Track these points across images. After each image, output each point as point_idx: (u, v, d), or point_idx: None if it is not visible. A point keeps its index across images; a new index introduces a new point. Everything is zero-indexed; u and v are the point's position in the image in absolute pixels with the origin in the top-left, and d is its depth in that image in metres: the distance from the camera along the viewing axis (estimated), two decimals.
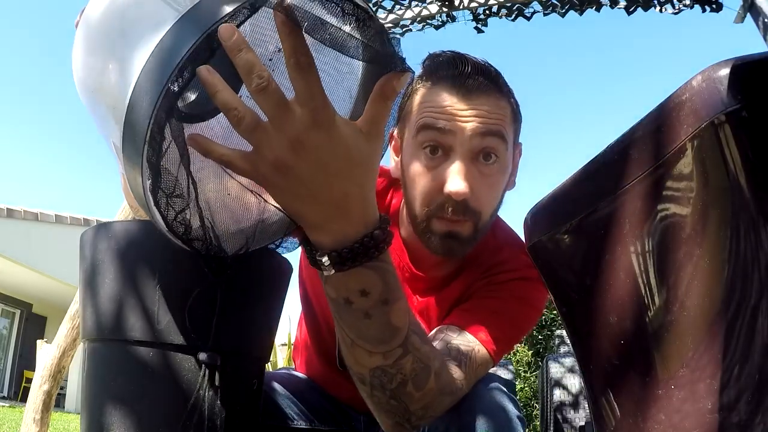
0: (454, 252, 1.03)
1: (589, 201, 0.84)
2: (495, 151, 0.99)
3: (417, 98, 1.04)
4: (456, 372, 0.86)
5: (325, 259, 0.61)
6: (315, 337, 1.32)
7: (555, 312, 8.44)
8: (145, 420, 0.69)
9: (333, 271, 0.62)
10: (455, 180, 0.95)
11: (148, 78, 0.51)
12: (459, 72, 1.00)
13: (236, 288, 0.73)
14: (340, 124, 0.56)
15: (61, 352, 3.03)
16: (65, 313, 3.12)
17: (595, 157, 0.86)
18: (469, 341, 0.95)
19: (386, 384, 0.73)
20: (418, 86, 1.05)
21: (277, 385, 1.27)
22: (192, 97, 0.65)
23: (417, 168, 1.01)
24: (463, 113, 0.97)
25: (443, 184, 0.97)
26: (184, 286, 0.69)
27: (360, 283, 0.64)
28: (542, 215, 0.94)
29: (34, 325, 16.37)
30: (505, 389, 1.02)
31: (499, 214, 1.12)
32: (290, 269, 0.86)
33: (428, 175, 1.00)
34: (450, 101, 0.98)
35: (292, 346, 1.57)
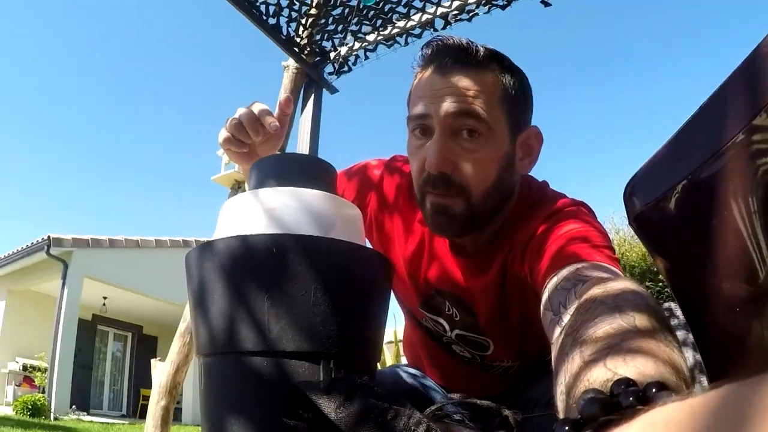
0: (446, 228, 1.08)
1: (688, 164, 0.80)
2: (472, 128, 1.01)
3: (412, 87, 1.10)
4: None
5: None
6: (418, 333, 1.38)
7: (662, 283, 8.16)
8: (264, 427, 0.70)
9: None
10: (429, 156, 1.02)
11: None
12: (437, 51, 1.05)
13: (343, 290, 0.74)
14: None
15: (174, 369, 3.15)
16: (174, 331, 3.24)
17: (690, 117, 0.82)
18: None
19: None
20: (415, 74, 1.11)
21: (405, 377, 1.37)
22: None
23: (410, 151, 1.09)
24: (439, 93, 1.02)
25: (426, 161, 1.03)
26: (292, 294, 0.71)
27: None
28: (642, 185, 0.91)
29: (145, 345, 17.16)
30: None
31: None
32: (392, 266, 0.87)
33: (417, 155, 1.07)
34: (429, 83, 1.04)
35: (400, 343, 1.63)
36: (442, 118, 1.01)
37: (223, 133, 1.04)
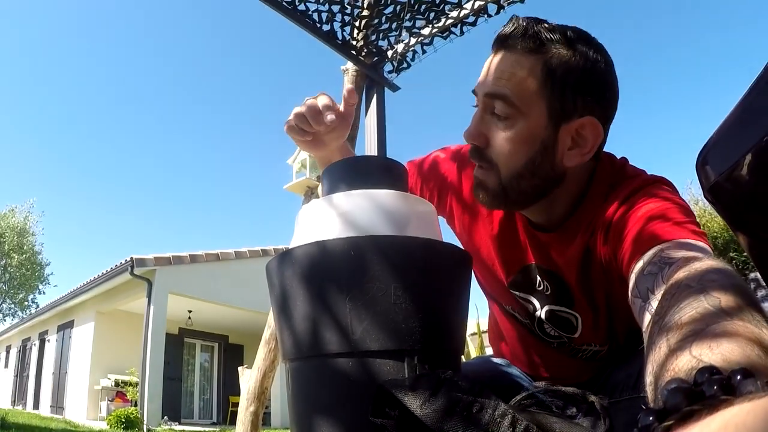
0: (484, 201, 1.12)
1: (760, 128, 0.78)
2: (501, 109, 1.03)
3: None
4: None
5: None
6: (505, 321, 1.38)
7: (744, 255, 7.84)
8: (352, 426, 0.72)
9: None
10: (468, 127, 1.08)
11: None
12: (498, 34, 1.07)
13: (422, 286, 0.75)
14: None
15: (262, 375, 3.22)
16: (259, 339, 3.32)
17: (755, 81, 0.79)
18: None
19: None
20: None
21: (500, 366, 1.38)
22: None
23: None
24: (485, 73, 1.07)
25: None
26: (372, 294, 0.72)
27: None
28: (714, 155, 0.88)
29: (232, 354, 17.65)
30: None
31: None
32: (471, 258, 0.87)
33: None
34: (486, 63, 1.08)
35: (484, 335, 1.62)
36: (481, 96, 1.06)
37: (288, 122, 1.14)
